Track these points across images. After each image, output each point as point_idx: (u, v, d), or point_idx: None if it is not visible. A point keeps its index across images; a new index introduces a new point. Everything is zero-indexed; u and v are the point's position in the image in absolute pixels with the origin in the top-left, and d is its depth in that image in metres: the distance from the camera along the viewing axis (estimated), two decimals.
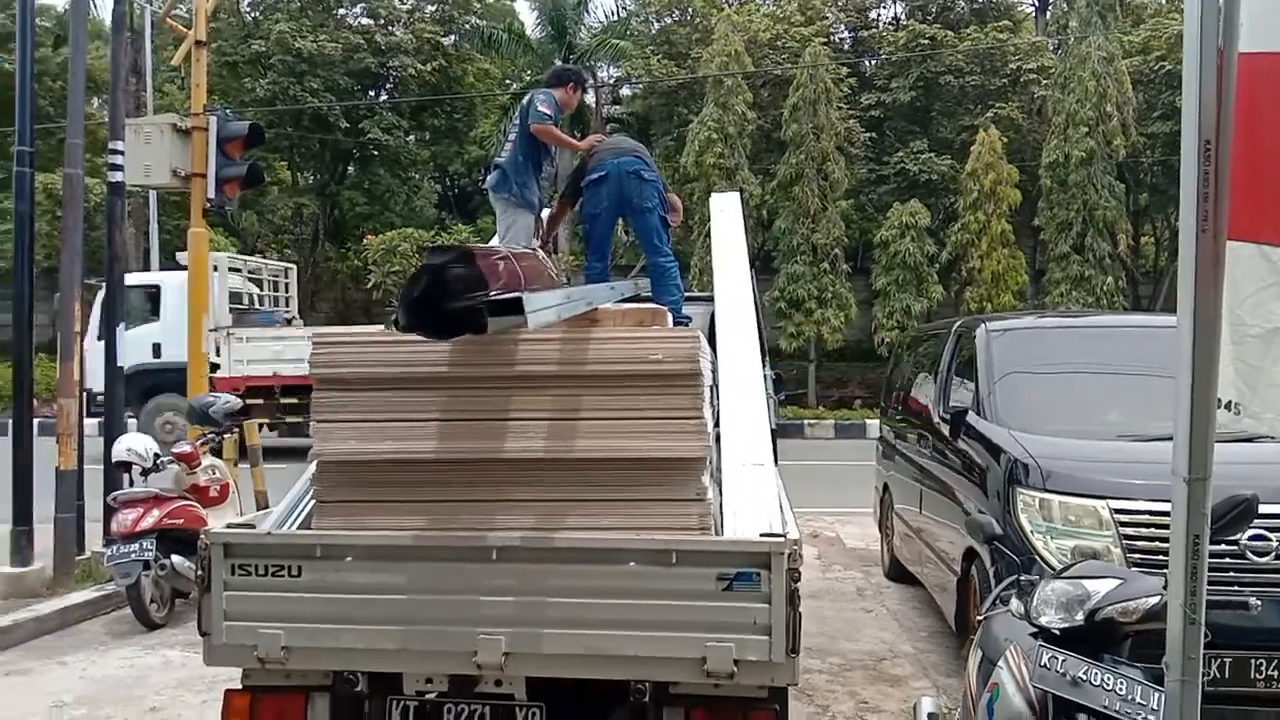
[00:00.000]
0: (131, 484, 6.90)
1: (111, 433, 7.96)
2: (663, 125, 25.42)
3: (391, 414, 3.35)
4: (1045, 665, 2.37)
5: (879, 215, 23.10)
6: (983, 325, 6.09)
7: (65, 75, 15.55)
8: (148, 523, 6.28)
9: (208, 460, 7.25)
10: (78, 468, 7.73)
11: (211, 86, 26.08)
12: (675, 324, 5.24)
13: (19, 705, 4.92)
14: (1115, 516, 4.44)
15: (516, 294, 2.18)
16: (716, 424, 4.04)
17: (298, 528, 3.50)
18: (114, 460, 6.92)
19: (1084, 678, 2.33)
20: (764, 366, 5.67)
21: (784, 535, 3.03)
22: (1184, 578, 2.19)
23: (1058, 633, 2.53)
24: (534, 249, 5.34)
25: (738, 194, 7.04)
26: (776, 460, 4.66)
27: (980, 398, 5.59)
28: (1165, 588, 2.46)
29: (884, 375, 10.44)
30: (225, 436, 7.73)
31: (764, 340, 6.15)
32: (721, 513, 3.40)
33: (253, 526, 3.32)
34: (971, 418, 5.53)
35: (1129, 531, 4.40)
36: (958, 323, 6.86)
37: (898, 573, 7.78)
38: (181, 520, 6.38)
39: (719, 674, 2.99)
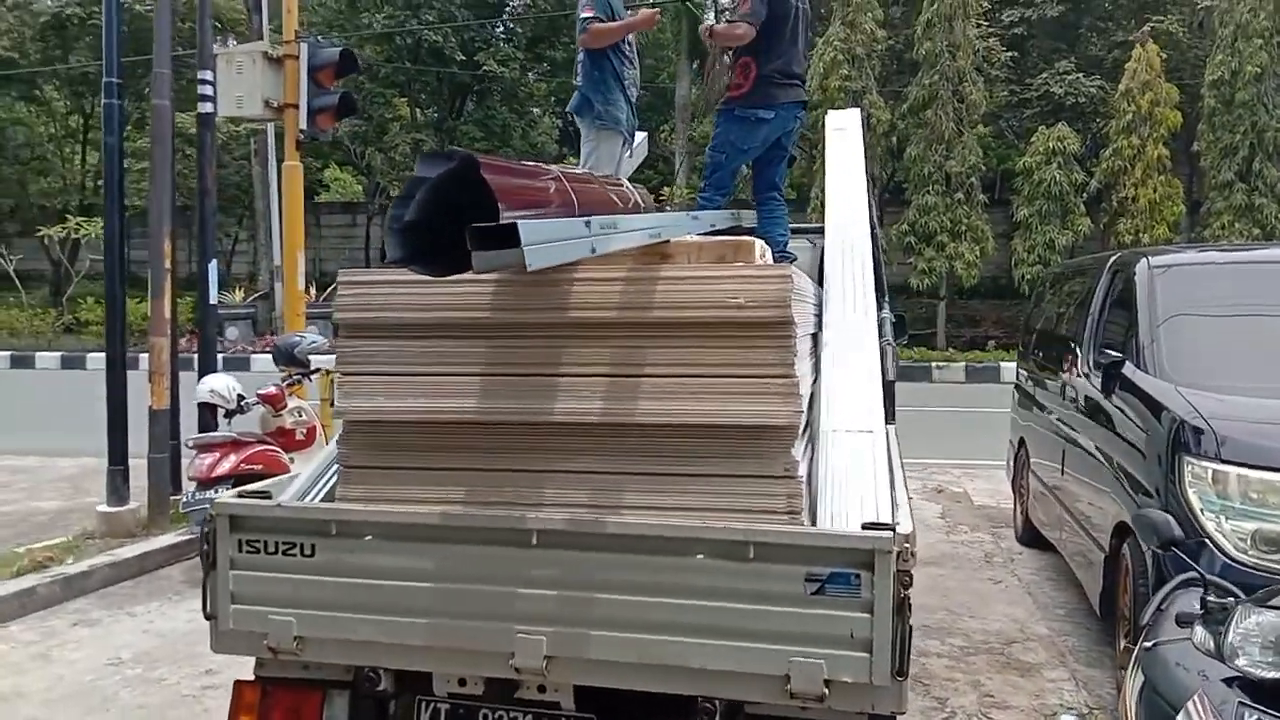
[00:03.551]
0: (217, 426, 6.70)
1: (204, 372, 7.80)
2: None
3: (425, 365, 2.84)
4: None
5: (1019, 142, 21.54)
6: (1144, 259, 5.21)
7: (193, 12, 15.63)
8: (224, 468, 6.04)
9: (294, 402, 6.98)
10: (170, 407, 7.59)
11: (329, 21, 26.25)
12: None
13: (81, 661, 4.73)
14: None
15: (516, 219, 1.60)
16: (816, 379, 3.41)
17: (323, 498, 3.05)
18: (196, 401, 6.72)
19: None
20: (882, 308, 4.99)
21: (893, 528, 2.41)
22: None
23: (1261, 682, 1.85)
24: (619, 178, 4.77)
25: (858, 112, 6.26)
26: (892, 418, 4.02)
27: (1139, 345, 4.75)
28: None
29: (1023, 315, 9.51)
30: (314, 377, 7.46)
31: (883, 278, 5.44)
32: (816, 495, 2.79)
33: (268, 495, 2.88)
34: (1129, 369, 4.72)
35: None
36: (1113, 256, 5.96)
37: (1031, 537, 7.01)
38: (260, 465, 6.12)
39: (806, 695, 2.41)
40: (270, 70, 8.66)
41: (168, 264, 7.61)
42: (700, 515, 2.62)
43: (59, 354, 20.92)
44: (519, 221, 1.53)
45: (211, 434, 6.39)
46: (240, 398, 6.64)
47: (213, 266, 8.20)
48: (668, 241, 2.92)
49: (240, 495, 2.86)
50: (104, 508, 7.31)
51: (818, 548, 2.41)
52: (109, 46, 7.46)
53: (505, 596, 2.56)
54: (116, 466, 7.42)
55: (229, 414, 6.62)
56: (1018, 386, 8.01)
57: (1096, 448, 5.08)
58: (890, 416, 4.61)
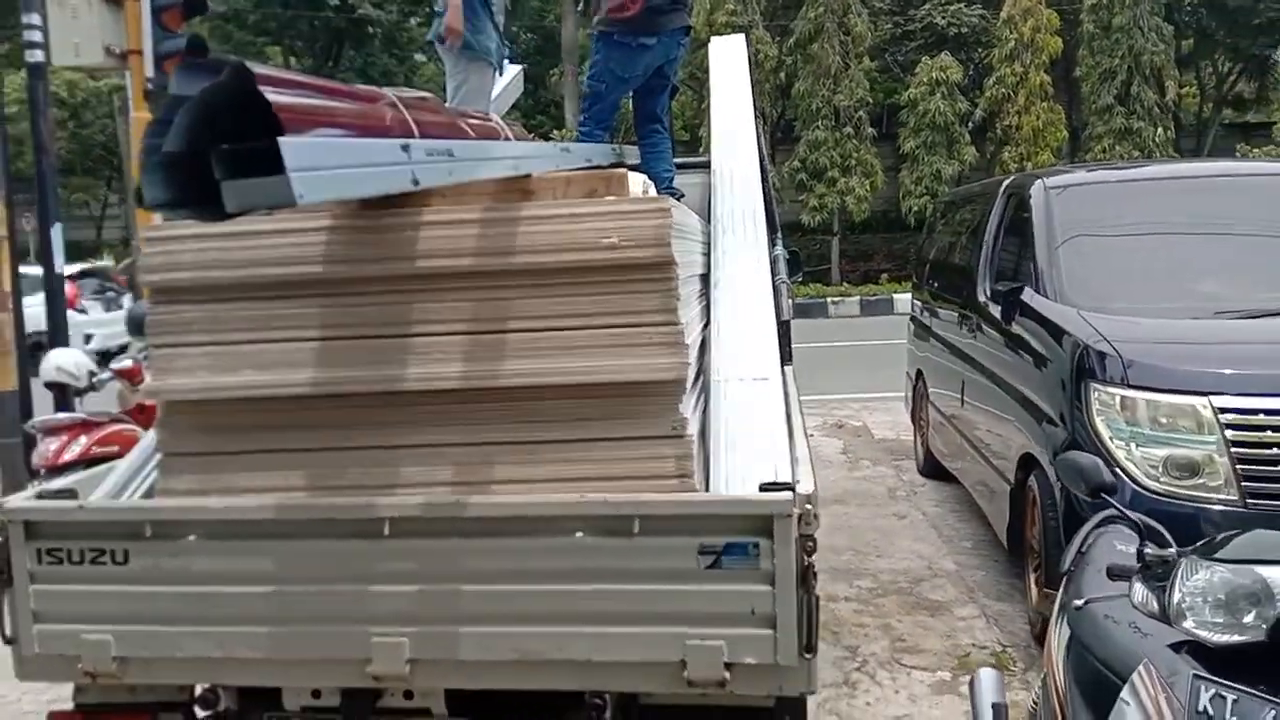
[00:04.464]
0: (68, 407, 6.11)
1: (56, 347, 7.14)
2: None
3: (251, 332, 2.45)
4: (1206, 712, 1.49)
5: (905, 75, 21.53)
6: (1039, 181, 5.04)
7: None
8: (73, 452, 5.48)
9: None
10: (19, 388, 6.96)
11: None
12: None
13: None
14: (1220, 418, 3.51)
15: (301, 137, 1.23)
16: (706, 324, 3.11)
17: (144, 494, 2.64)
18: (43, 381, 6.11)
19: None
20: (775, 245, 4.72)
21: (792, 487, 2.13)
22: None
23: (1214, 647, 1.63)
24: (489, 114, 4.36)
25: (742, 38, 5.93)
26: (789, 359, 3.77)
27: (1038, 270, 4.59)
28: None
29: (915, 247, 9.43)
30: None
31: (774, 213, 5.17)
32: (708, 455, 2.51)
33: (73, 494, 2.46)
34: (1028, 295, 4.56)
35: (1239, 436, 3.48)
36: (1006, 180, 5.80)
37: (933, 469, 6.92)
38: (116, 447, 5.55)
39: (705, 681, 2.14)
40: (109, 13, 7.86)
41: (3, 230, 6.91)
42: (581, 487, 2.31)
43: None
44: (282, 140, 1.17)
45: (57, 415, 5.81)
46: (91, 374, 6.05)
47: (57, 230, 7.50)
48: (529, 176, 2.56)
49: (39, 496, 2.43)
50: None
51: (709, 515, 2.13)
52: None
53: (357, 596, 2.22)
54: None
55: (80, 392, 6.03)
56: (913, 318, 7.90)
57: (998, 377, 4.93)
58: (787, 358, 4.36)
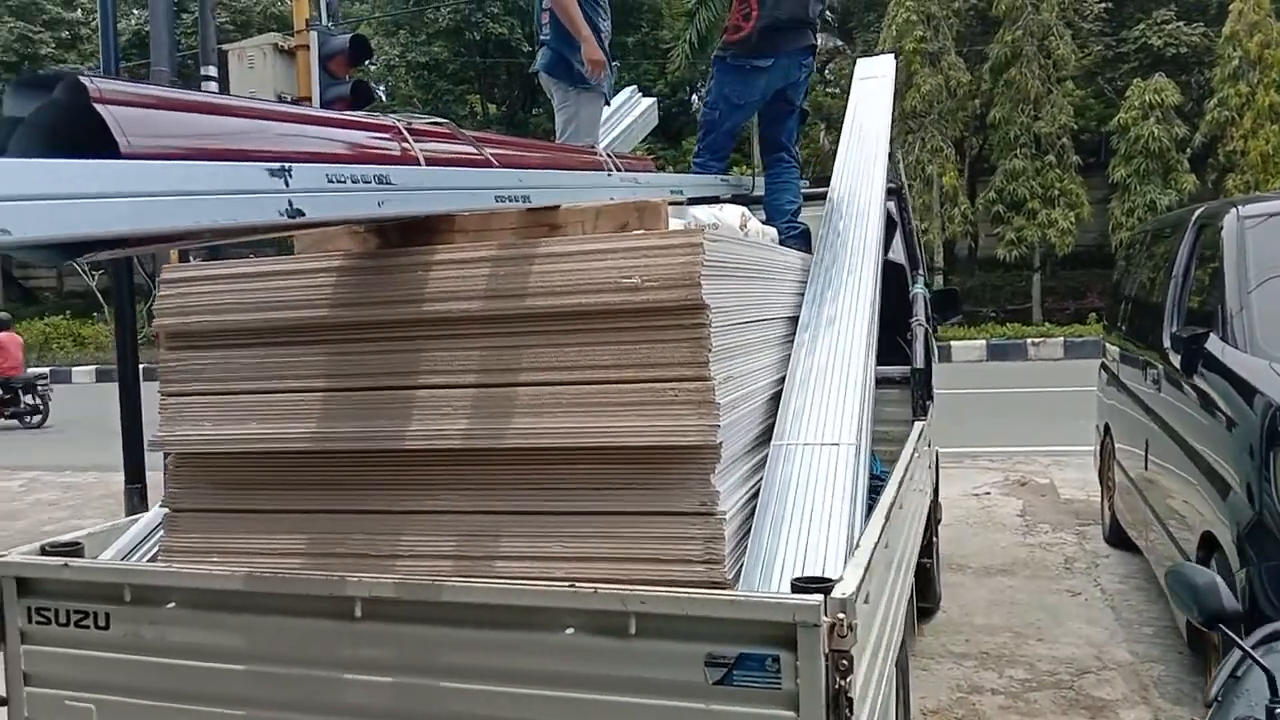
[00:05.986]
0: None
1: None
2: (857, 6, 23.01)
3: (258, 381, 2.27)
4: None
5: (1118, 100, 20.02)
6: (1234, 210, 4.32)
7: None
8: None
9: None
10: None
11: (398, 22, 25.99)
12: (787, 237, 3.90)
13: None
14: None
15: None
16: (781, 379, 2.70)
17: (155, 554, 2.49)
18: None
19: None
20: (915, 282, 4.25)
21: (827, 588, 1.72)
22: None
23: None
24: (595, 147, 4.13)
25: (891, 58, 5.44)
26: (923, 413, 3.30)
27: (1227, 314, 3.89)
28: None
29: (1110, 283, 8.54)
30: None
31: (917, 248, 4.68)
32: (750, 538, 2.12)
33: (79, 548, 2.33)
34: (1214, 344, 3.87)
35: None
36: (1200, 209, 5.04)
37: (1119, 537, 6.10)
38: None
39: None
40: (282, 62, 8.26)
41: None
42: (596, 569, 1.98)
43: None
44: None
45: None
46: None
47: None
48: (557, 209, 2.26)
49: (43, 550, 2.31)
50: None
51: (718, 619, 1.74)
52: (105, 45, 7.17)
53: (329, 684, 1.96)
54: (134, 485, 7.14)
55: None
56: (1103, 364, 7.08)
57: (1180, 437, 4.22)
58: (920, 411, 3.86)
